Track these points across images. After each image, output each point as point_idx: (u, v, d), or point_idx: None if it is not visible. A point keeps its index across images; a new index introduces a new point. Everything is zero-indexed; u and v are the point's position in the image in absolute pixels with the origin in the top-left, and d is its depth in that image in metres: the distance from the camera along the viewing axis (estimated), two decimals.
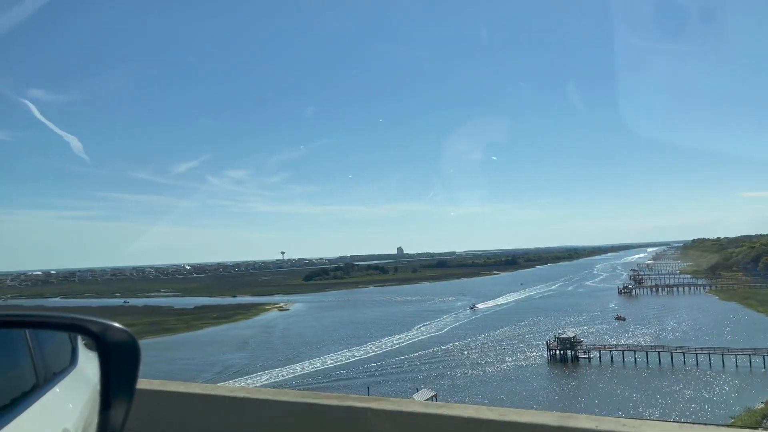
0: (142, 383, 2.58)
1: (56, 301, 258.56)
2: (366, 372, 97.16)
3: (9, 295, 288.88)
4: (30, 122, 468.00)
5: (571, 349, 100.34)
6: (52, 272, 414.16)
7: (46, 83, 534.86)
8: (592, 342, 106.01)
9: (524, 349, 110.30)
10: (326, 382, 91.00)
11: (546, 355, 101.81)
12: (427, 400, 65.90)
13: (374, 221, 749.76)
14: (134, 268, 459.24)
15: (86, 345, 3.07)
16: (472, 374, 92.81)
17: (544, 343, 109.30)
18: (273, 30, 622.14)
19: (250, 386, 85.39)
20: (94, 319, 2.50)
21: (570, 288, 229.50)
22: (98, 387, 2.56)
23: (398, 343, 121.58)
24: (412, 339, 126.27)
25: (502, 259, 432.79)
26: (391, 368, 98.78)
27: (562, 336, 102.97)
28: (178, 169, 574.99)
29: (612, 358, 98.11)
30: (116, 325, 2.50)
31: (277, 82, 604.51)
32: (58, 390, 2.76)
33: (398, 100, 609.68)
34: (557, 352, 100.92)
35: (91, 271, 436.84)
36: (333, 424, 4.77)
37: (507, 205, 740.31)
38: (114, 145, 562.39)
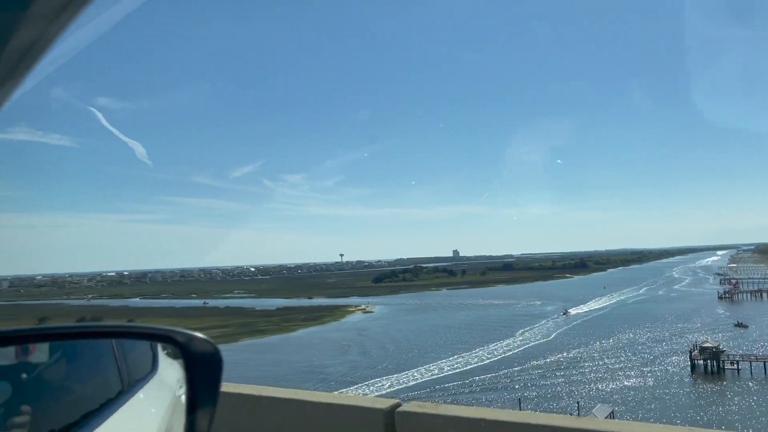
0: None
1: (136, 301, 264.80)
2: (495, 382, 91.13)
3: (90, 296, 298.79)
4: (97, 129, 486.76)
5: (716, 359, 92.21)
6: (125, 273, 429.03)
7: (111, 92, 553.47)
8: (738, 352, 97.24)
9: (654, 358, 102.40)
10: (463, 393, 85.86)
11: (687, 366, 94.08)
12: (606, 417, 59.20)
13: (429, 224, 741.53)
14: (201, 269, 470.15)
15: (167, 353, 3.17)
16: (616, 387, 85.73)
17: (675, 351, 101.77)
18: (328, 35, 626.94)
19: (350, 393, 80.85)
20: (180, 330, 2.62)
21: (660, 292, 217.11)
22: (177, 392, 2.65)
23: (509, 350, 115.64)
24: (521, 346, 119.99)
25: (571, 261, 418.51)
26: (524, 378, 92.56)
27: (704, 345, 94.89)
28: (236, 173, 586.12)
29: (766, 370, 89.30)
30: (200, 335, 2.60)
31: (332, 87, 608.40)
32: (141, 396, 2.91)
33: (455, 103, 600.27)
34: (699, 362, 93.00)
35: (161, 272, 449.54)
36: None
37: (565, 207, 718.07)
38: (175, 150, 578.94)
